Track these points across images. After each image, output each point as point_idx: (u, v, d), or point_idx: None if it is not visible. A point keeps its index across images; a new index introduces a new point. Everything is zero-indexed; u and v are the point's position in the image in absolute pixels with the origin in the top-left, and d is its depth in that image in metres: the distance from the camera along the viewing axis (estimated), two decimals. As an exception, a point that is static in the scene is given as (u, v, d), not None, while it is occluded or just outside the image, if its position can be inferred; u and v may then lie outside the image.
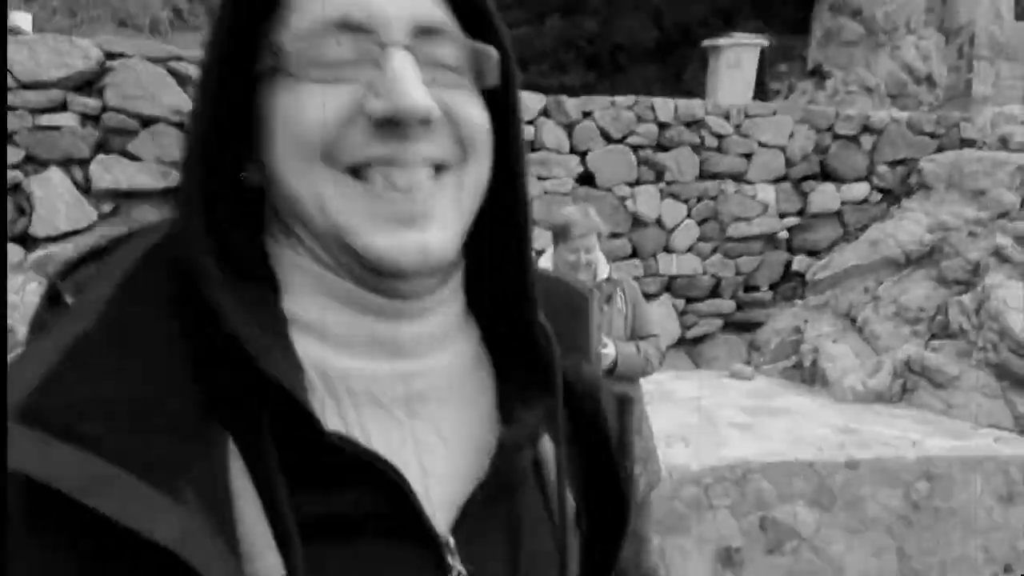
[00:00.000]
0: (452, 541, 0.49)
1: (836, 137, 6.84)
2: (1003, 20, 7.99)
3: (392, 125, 0.47)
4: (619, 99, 6.42)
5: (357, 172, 0.48)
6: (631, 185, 6.47)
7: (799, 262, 6.86)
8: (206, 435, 0.42)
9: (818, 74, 9.23)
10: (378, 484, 0.46)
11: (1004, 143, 6.90)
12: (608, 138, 6.39)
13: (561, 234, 2.93)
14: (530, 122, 6.21)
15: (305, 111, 0.47)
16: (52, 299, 0.48)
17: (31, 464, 0.37)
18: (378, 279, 0.50)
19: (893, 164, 6.94)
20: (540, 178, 6.46)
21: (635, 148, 6.41)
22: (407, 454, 0.49)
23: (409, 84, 0.47)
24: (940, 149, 6.94)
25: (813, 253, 6.89)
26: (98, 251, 0.51)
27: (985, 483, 4.41)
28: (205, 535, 0.39)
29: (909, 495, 4.30)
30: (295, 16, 0.48)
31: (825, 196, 6.82)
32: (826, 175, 6.85)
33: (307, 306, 0.50)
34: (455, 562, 0.49)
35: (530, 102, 6.15)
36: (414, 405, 0.51)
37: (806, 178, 6.81)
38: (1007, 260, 5.74)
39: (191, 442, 0.42)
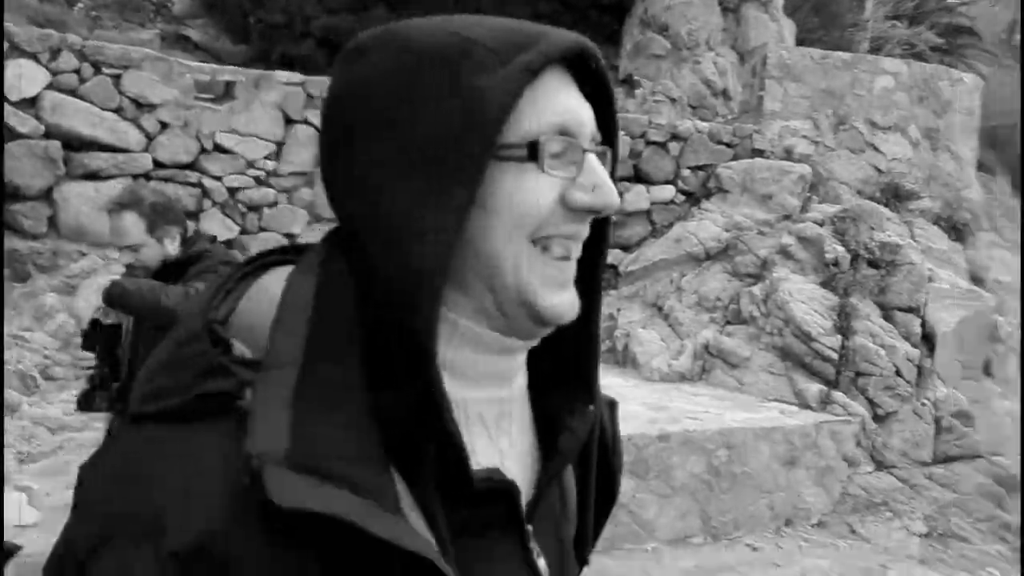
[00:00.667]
0: (530, 528, 0.65)
1: (648, 143, 7.45)
2: (787, 44, 9.02)
3: (584, 212, 0.60)
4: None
5: (535, 242, 0.59)
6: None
7: (613, 255, 7.41)
8: (385, 464, 0.54)
9: (629, 83, 9.92)
10: (500, 498, 0.61)
11: (788, 154, 7.83)
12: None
13: None
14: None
15: (534, 195, 0.57)
16: (216, 340, 0.56)
17: (312, 501, 0.48)
18: (535, 327, 0.61)
19: (695, 169, 7.66)
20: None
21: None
22: (496, 462, 0.63)
23: (611, 186, 0.60)
24: (735, 157, 7.75)
25: (625, 248, 7.47)
26: (227, 289, 0.60)
27: (772, 450, 5.05)
28: (429, 543, 0.53)
29: (711, 463, 4.83)
30: (527, 119, 0.57)
31: (637, 196, 7.42)
32: (638, 177, 7.45)
33: (444, 349, 0.59)
34: (533, 544, 0.65)
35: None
36: (500, 422, 0.64)
37: (621, 179, 7.36)
38: (791, 257, 6.55)
39: (381, 471, 0.53)
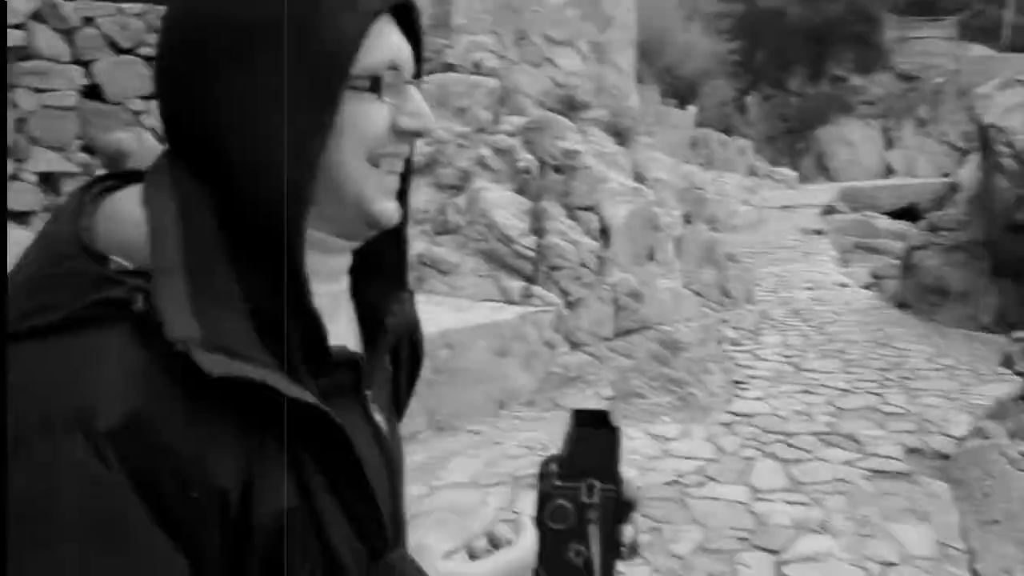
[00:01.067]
0: (369, 393, 0.78)
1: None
2: (468, -40, 9.33)
3: (409, 134, 0.72)
4: (126, 6, 6.04)
5: (369, 159, 0.70)
6: (145, 99, 6.22)
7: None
8: (262, 345, 0.64)
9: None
10: (348, 368, 0.74)
11: (477, 67, 8.25)
12: (117, 48, 6.00)
13: (113, 163, 2.90)
14: (19, 27, 5.49)
15: (374, 121, 0.69)
16: (92, 255, 0.62)
17: (240, 370, 0.59)
18: (367, 229, 0.74)
19: (393, 84, 7.80)
20: (37, 90, 5.80)
21: (148, 59, 6.15)
22: (335, 343, 0.74)
23: (428, 112, 0.72)
24: (429, 71, 8.01)
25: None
26: (85, 213, 0.66)
27: (486, 344, 5.58)
28: (320, 401, 0.64)
29: (434, 363, 5.22)
30: (368, 55, 0.67)
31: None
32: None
33: None
34: (373, 405, 0.78)
35: (18, 4, 5.42)
36: (335, 311, 0.76)
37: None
38: (488, 167, 7.05)
39: (263, 350, 0.64)
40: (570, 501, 0.75)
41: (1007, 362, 6.97)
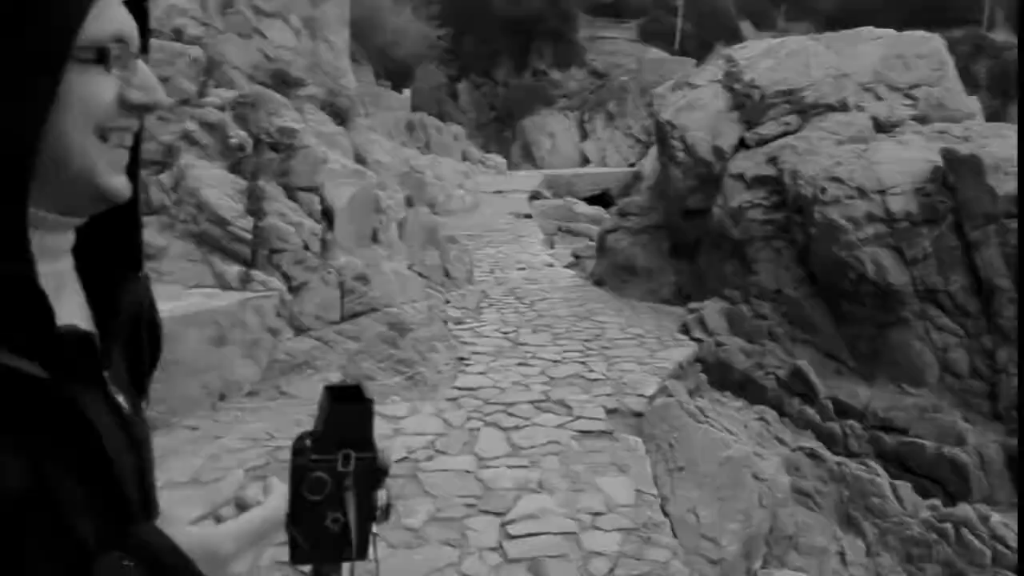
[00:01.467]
0: (108, 375, 0.74)
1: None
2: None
3: (138, 108, 0.71)
4: None
5: (96, 132, 0.69)
6: None
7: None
8: None
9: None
10: (85, 348, 0.70)
11: (179, 35, 7.62)
12: None
13: None
14: None
15: (100, 93, 0.67)
16: None
17: None
18: (93, 205, 0.72)
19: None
20: None
21: None
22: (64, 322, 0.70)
23: (158, 85, 0.69)
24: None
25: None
26: None
27: (201, 333, 5.24)
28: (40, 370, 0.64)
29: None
30: (92, 28, 0.66)
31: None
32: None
33: None
34: (112, 387, 0.75)
35: None
36: (59, 292, 0.71)
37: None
38: (196, 143, 6.56)
39: None
40: (327, 472, 0.76)
41: (685, 329, 8.03)
